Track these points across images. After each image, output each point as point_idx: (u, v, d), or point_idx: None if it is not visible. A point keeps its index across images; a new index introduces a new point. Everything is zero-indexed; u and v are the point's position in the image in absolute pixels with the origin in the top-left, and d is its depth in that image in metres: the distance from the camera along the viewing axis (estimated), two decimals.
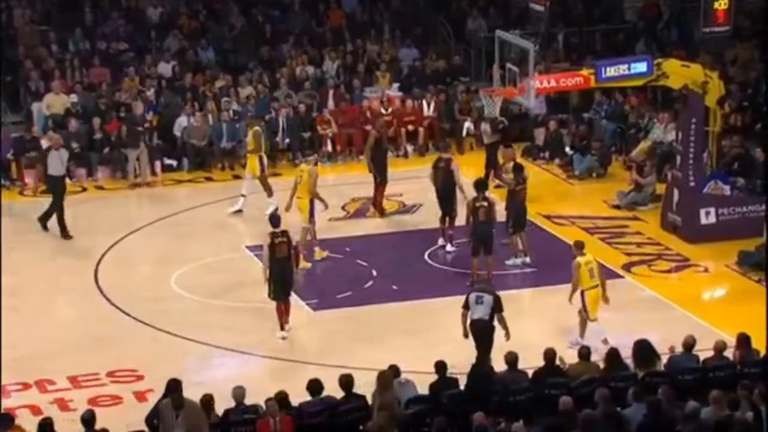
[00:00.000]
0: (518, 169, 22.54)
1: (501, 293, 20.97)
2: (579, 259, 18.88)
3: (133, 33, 31.68)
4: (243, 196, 24.89)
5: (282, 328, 19.54)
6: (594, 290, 18.75)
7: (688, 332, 16.68)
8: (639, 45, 31.77)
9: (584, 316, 18.77)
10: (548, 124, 29.12)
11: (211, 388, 15.49)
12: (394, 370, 15.42)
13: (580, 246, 19.15)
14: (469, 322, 17.93)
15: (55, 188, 23.80)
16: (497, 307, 17.93)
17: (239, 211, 24.84)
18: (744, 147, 25.40)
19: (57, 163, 23.74)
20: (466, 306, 18.05)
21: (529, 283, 21.68)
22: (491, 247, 21.22)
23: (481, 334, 17.89)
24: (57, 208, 23.69)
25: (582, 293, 18.80)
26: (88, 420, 14.26)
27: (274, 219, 19.85)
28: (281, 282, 19.43)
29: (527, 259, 22.18)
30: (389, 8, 33.95)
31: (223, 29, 32.31)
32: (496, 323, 17.96)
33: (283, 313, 19.56)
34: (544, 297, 21.09)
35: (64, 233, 23.64)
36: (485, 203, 21.12)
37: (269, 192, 24.83)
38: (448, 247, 22.88)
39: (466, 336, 17.94)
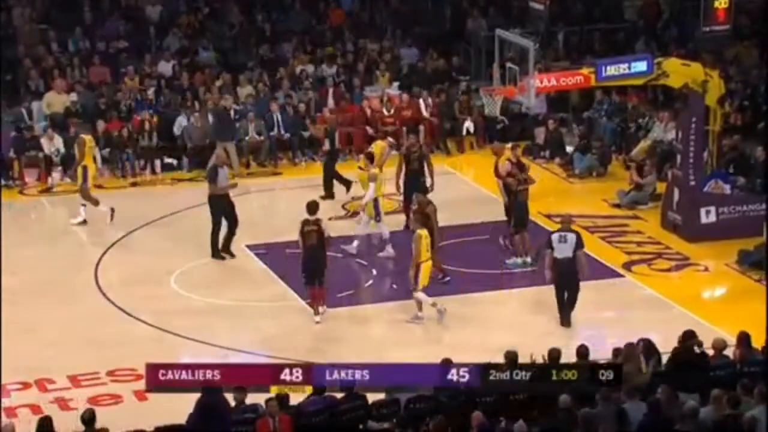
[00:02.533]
0: (521, 168, 22.48)
1: (501, 292, 21.16)
2: (419, 231, 19.74)
3: (133, 32, 31.67)
4: (83, 205, 24.28)
5: (316, 313, 19.97)
6: (428, 263, 19.79)
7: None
8: (639, 44, 31.79)
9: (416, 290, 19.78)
10: (548, 123, 29.10)
11: None
12: (636, 344, 15.95)
13: (420, 221, 20.14)
14: (552, 261, 19.48)
15: (222, 207, 22.49)
16: (579, 244, 19.39)
17: (83, 221, 24.27)
18: (738, 149, 25.38)
19: (224, 181, 22.72)
20: (550, 246, 19.46)
21: (529, 282, 21.65)
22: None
23: (567, 271, 19.39)
24: (220, 227, 22.54)
25: (418, 266, 19.67)
26: (88, 419, 14.26)
27: (311, 206, 20.24)
28: (309, 268, 19.95)
29: (528, 259, 22.16)
30: (389, 7, 33.94)
31: (223, 28, 32.31)
32: None
33: (316, 298, 19.99)
34: (546, 296, 21.06)
35: (219, 253, 22.52)
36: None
37: (94, 202, 24.21)
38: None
39: (550, 275, 19.50)
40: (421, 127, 29.20)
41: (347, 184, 25.62)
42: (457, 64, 31.87)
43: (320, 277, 20.03)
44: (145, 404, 16.74)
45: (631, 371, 15.24)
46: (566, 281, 19.57)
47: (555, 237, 19.67)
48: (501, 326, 19.84)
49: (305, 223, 20.05)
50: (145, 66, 30.39)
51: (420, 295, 19.91)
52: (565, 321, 19.70)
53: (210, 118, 28.38)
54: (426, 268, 19.85)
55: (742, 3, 27.74)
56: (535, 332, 19.26)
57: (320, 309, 20.10)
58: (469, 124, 29.43)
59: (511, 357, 15.63)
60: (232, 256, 22.58)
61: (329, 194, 25.58)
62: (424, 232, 19.84)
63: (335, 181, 25.81)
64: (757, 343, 16.40)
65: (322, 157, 27.43)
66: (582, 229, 23.81)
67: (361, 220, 22.89)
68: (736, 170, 24.79)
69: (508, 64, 22.74)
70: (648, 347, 16.11)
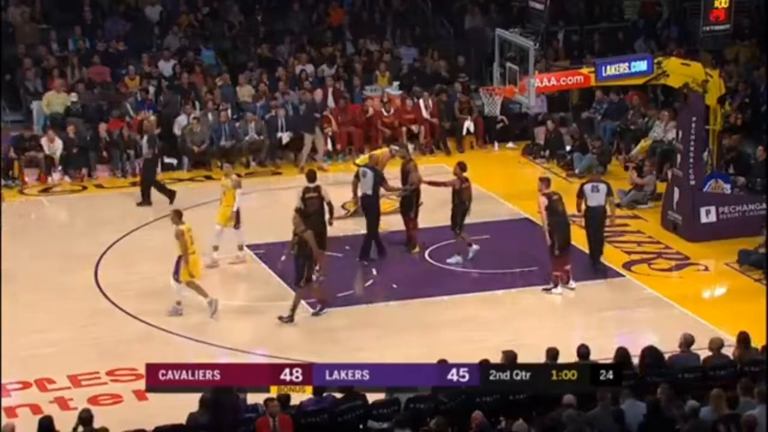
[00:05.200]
0: (462, 167, 22.44)
1: (499, 292, 21.12)
2: (181, 227, 19.97)
3: (133, 32, 31.65)
4: None
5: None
6: (193, 255, 19.98)
7: (688, 331, 16.67)
8: (639, 43, 31.80)
9: (193, 281, 20.02)
10: (547, 123, 29.08)
11: None
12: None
13: (179, 215, 20.25)
14: (585, 208, 21.53)
15: (368, 208, 22.53)
16: (610, 192, 21.64)
17: None
18: (738, 149, 25.40)
19: (369, 182, 22.45)
20: (582, 195, 21.54)
21: (528, 282, 21.64)
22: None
23: (598, 217, 21.53)
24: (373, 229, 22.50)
25: (181, 258, 19.95)
26: (86, 419, 14.29)
27: (310, 174, 21.49)
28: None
29: (461, 258, 22.27)
30: (389, 6, 33.92)
31: (223, 28, 32.31)
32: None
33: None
34: (544, 296, 21.09)
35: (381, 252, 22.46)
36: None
37: None
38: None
39: (584, 221, 21.63)
40: (422, 128, 29.21)
41: (170, 194, 25.43)
42: (458, 64, 31.86)
43: (320, 244, 20.56)
44: (145, 404, 16.73)
45: None
46: (596, 226, 21.55)
47: (588, 187, 21.62)
48: (500, 326, 19.85)
49: (306, 190, 20.95)
50: (145, 66, 30.38)
51: (178, 286, 20.07)
52: (598, 264, 21.71)
53: (210, 118, 28.42)
54: (192, 261, 19.91)
55: (742, 3, 27.73)
56: (535, 332, 19.26)
57: (319, 276, 20.68)
58: (469, 124, 29.41)
59: (510, 356, 15.65)
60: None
61: (147, 201, 25.47)
62: (185, 227, 19.93)
63: (158, 190, 25.65)
64: (757, 343, 16.42)
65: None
66: (581, 228, 23.87)
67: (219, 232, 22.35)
68: (736, 170, 24.81)
69: (508, 64, 22.76)
70: (651, 355, 16.05)
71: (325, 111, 29.05)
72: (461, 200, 22.05)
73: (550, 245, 20.90)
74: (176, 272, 20.07)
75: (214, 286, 21.50)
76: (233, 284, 21.68)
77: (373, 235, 22.46)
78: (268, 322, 20.02)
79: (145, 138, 26.22)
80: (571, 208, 21.60)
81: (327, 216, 21.34)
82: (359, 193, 22.81)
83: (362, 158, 25.06)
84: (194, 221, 23.43)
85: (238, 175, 23.76)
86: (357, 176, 22.85)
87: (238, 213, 22.21)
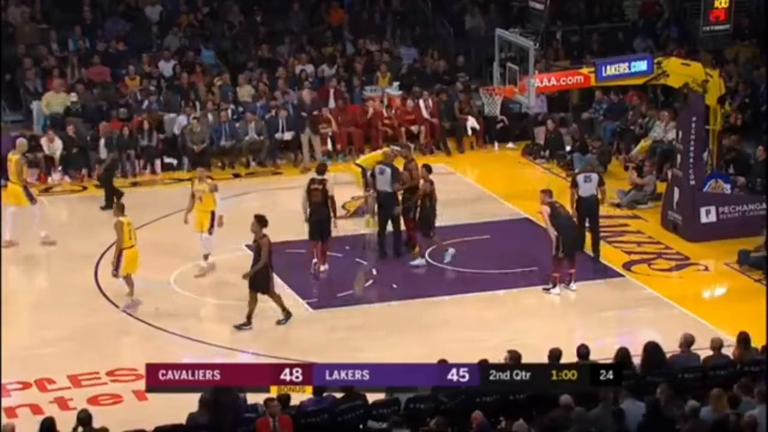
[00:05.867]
0: (428, 170, 22.46)
1: (500, 292, 21.11)
2: (121, 218, 20.11)
3: (133, 32, 31.65)
4: None
5: (317, 262, 21.51)
6: (131, 250, 20.21)
7: (688, 331, 16.68)
8: (639, 43, 31.79)
9: (130, 277, 20.23)
10: (547, 123, 29.08)
11: None
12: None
13: (121, 208, 20.55)
14: (577, 199, 21.83)
15: (386, 205, 22.57)
16: (601, 181, 22.10)
17: None
18: (737, 150, 25.40)
19: (387, 179, 22.44)
20: (575, 186, 21.94)
21: (527, 282, 21.63)
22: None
23: (591, 207, 21.91)
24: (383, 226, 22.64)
25: (120, 252, 20.10)
26: (85, 419, 14.29)
27: (320, 167, 21.96)
28: (315, 224, 21.40)
29: (453, 250, 22.30)
30: (389, 6, 33.92)
31: (223, 28, 32.31)
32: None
33: (318, 253, 21.43)
34: (544, 296, 21.09)
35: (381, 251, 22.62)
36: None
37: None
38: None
39: (577, 212, 21.63)
40: (422, 128, 29.19)
41: (118, 196, 24.90)
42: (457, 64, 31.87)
43: (324, 234, 21.42)
44: (145, 404, 16.74)
45: None
46: (590, 215, 21.92)
47: (580, 178, 22.07)
48: (500, 326, 19.85)
49: (312, 182, 21.53)
50: (145, 66, 30.38)
51: (122, 281, 20.25)
52: (596, 253, 22.11)
53: (210, 118, 28.43)
54: (128, 255, 20.06)
55: (741, 3, 27.73)
56: (535, 332, 19.26)
57: (321, 267, 21.48)
58: (472, 123, 29.33)
59: (515, 356, 15.64)
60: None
61: (109, 204, 25.02)
62: (125, 220, 20.19)
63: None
64: (757, 343, 16.43)
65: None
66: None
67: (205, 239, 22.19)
68: (736, 170, 24.81)
69: (508, 64, 22.76)
70: (653, 350, 16.05)
71: (316, 111, 28.90)
72: (431, 202, 22.12)
73: (555, 247, 20.87)
74: (116, 268, 20.20)
75: (213, 287, 21.53)
76: (232, 284, 21.63)
77: (397, 229, 22.59)
78: (268, 322, 20.00)
79: (102, 141, 26.11)
80: (566, 202, 21.64)
81: (330, 211, 21.60)
82: (375, 190, 22.77)
83: (363, 158, 25.07)
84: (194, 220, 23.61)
85: (211, 178, 23.41)
86: (373, 175, 22.83)
87: (214, 217, 21.99)
